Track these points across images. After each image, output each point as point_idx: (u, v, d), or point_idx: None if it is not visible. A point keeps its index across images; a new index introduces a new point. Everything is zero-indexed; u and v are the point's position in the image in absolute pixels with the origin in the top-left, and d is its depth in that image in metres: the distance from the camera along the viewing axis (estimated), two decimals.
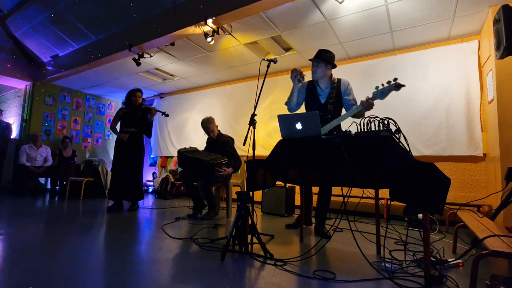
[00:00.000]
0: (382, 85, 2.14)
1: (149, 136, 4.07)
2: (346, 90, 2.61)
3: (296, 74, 2.53)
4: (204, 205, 3.57)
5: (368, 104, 2.24)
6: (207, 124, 3.60)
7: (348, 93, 2.61)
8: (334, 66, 2.65)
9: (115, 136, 3.98)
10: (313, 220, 2.92)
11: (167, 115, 4.08)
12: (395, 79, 2.09)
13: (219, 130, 3.76)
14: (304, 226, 3.02)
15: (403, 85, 2.08)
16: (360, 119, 1.84)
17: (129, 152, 3.82)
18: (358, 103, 2.34)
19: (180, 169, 6.19)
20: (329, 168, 2.22)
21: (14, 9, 4.71)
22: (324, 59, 2.58)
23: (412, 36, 3.72)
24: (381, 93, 2.15)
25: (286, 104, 2.75)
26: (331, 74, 2.67)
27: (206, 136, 3.77)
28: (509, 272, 1.81)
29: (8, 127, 5.87)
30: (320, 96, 2.65)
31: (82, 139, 6.98)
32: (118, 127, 3.93)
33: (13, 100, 6.83)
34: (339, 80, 2.65)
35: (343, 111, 2.65)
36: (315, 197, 2.98)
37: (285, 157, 2.15)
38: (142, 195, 3.99)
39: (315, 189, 3.06)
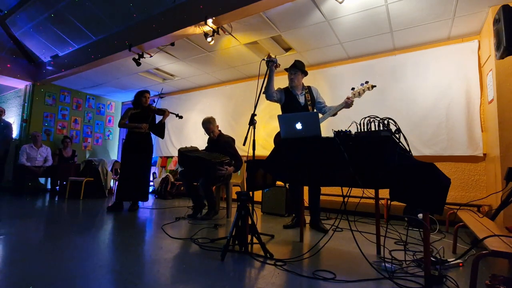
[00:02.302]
0: (357, 87, 2.61)
1: (162, 137, 4.11)
2: (317, 95, 3.03)
3: (271, 60, 2.70)
4: (204, 205, 3.57)
5: (350, 102, 2.67)
6: (208, 124, 3.60)
7: (320, 97, 3.03)
8: (306, 74, 3.03)
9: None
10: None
11: (180, 117, 4.11)
12: (367, 82, 2.55)
13: (220, 130, 3.76)
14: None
15: (375, 86, 2.56)
16: (361, 119, 1.84)
17: (139, 152, 3.84)
18: (335, 104, 2.80)
19: (180, 169, 6.19)
20: (329, 168, 2.22)
21: (14, 9, 4.71)
22: (299, 68, 2.96)
23: (412, 36, 3.72)
24: (358, 93, 2.60)
25: (264, 92, 2.93)
26: (303, 82, 3.06)
27: (207, 136, 3.77)
28: (509, 272, 1.81)
29: (8, 126, 5.87)
30: (299, 100, 2.97)
31: (82, 139, 6.98)
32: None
33: (13, 100, 6.83)
34: (309, 86, 3.05)
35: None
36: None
37: (285, 157, 2.15)
38: (147, 197, 3.99)
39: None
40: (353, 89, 2.61)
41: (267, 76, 2.68)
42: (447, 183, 1.47)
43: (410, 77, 3.91)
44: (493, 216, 2.28)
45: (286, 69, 3.02)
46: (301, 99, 2.96)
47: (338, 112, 2.85)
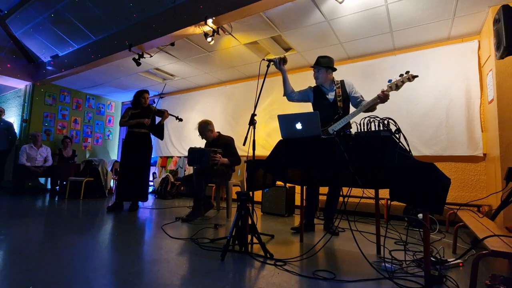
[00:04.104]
0: (395, 78, 2.26)
1: (162, 138, 4.12)
2: (351, 89, 2.80)
3: (279, 61, 2.63)
4: (211, 205, 3.58)
5: (384, 96, 2.34)
6: (203, 129, 3.62)
7: (355, 92, 2.79)
8: (334, 69, 2.82)
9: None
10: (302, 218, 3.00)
11: (180, 120, 4.10)
12: (407, 72, 2.20)
13: (218, 132, 3.76)
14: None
15: (417, 76, 2.19)
16: (361, 119, 1.84)
17: (138, 152, 3.84)
18: (369, 99, 2.49)
19: (180, 169, 6.20)
20: (329, 168, 2.22)
21: (14, 9, 4.71)
22: (323, 64, 2.77)
23: (412, 36, 3.72)
24: (396, 85, 2.25)
25: (284, 95, 2.89)
26: (333, 77, 2.85)
27: None
28: (509, 272, 1.81)
29: (11, 126, 5.87)
30: (328, 96, 2.81)
31: (82, 139, 6.98)
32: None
33: (13, 100, 6.83)
34: (342, 81, 2.83)
35: (351, 109, 2.77)
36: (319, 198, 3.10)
37: (285, 157, 2.15)
38: (146, 197, 3.99)
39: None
40: (389, 81, 2.27)
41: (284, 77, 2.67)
42: (447, 183, 1.47)
43: None
44: (493, 216, 2.28)
45: (311, 66, 2.91)
46: (330, 96, 2.79)
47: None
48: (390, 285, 1.52)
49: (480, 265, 1.34)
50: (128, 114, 3.88)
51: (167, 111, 4.00)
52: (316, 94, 2.88)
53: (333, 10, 3.25)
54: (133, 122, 3.81)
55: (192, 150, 3.44)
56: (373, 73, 4.16)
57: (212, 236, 2.52)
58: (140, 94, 3.91)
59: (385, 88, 2.31)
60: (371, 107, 2.49)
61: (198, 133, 3.71)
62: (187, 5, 3.63)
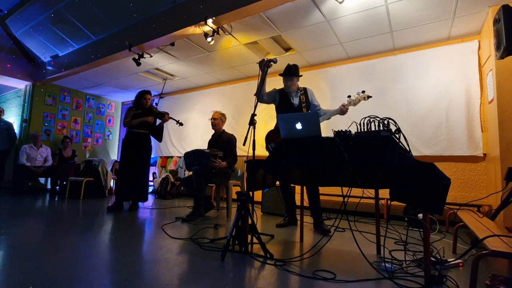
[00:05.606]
0: (354, 95, 2.60)
1: (160, 140, 4.13)
2: (312, 96, 3.02)
3: (265, 63, 2.61)
4: (212, 206, 3.58)
5: (345, 109, 2.67)
6: (218, 119, 3.71)
7: (315, 100, 3.02)
8: (300, 76, 3.01)
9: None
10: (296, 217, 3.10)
11: (181, 124, 4.11)
12: (363, 91, 2.55)
13: (223, 130, 3.79)
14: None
15: (370, 96, 2.56)
16: (361, 119, 1.84)
17: (138, 152, 3.84)
18: (334, 105, 2.83)
19: (180, 169, 6.20)
20: (329, 168, 2.23)
21: (14, 9, 4.71)
22: (295, 73, 2.92)
23: (412, 36, 3.72)
24: (353, 102, 2.59)
25: (255, 94, 2.73)
26: (298, 83, 3.03)
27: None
28: (509, 272, 1.81)
29: (11, 127, 5.86)
30: (293, 101, 2.98)
31: (82, 139, 6.98)
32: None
33: (13, 100, 6.83)
34: (304, 88, 3.03)
35: None
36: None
37: (285, 157, 2.15)
38: (146, 197, 3.99)
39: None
40: (349, 96, 2.61)
41: (259, 78, 2.64)
42: (447, 183, 1.47)
43: (410, 77, 3.91)
44: (493, 216, 2.28)
45: (280, 75, 3.00)
46: (295, 101, 2.96)
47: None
48: (390, 285, 1.52)
49: (480, 265, 1.33)
50: (131, 114, 3.87)
51: (167, 113, 4.00)
52: (281, 97, 3.00)
53: (333, 10, 3.25)
54: (136, 121, 3.81)
55: (187, 155, 3.47)
56: (373, 73, 4.16)
57: (212, 236, 2.52)
58: (142, 95, 3.90)
59: (346, 103, 2.63)
60: (330, 117, 2.79)
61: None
62: (187, 5, 3.63)
